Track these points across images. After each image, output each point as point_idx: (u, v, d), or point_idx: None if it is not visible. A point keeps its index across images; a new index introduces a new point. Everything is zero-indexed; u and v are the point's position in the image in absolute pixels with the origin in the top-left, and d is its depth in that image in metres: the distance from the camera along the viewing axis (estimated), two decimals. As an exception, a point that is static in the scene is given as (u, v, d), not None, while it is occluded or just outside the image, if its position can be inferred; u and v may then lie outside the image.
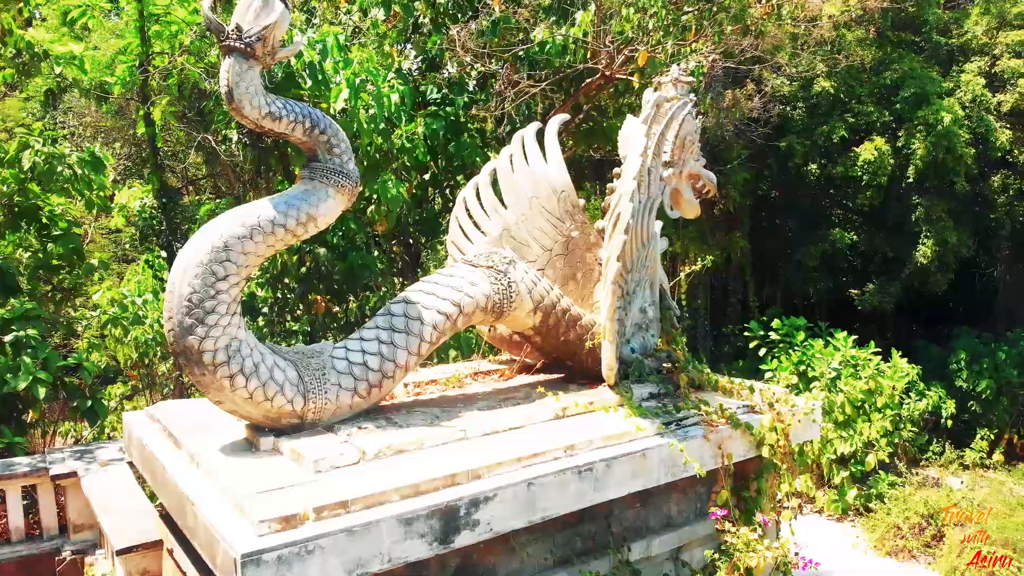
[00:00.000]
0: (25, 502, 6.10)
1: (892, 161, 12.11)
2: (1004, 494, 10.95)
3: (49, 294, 8.72)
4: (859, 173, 12.18)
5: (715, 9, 6.95)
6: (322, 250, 6.47)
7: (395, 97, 6.18)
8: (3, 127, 10.77)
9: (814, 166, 12.71)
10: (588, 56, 7.32)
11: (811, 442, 11.17)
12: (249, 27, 3.12)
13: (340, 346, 3.45)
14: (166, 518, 3.83)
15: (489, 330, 4.55)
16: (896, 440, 11.47)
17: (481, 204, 4.57)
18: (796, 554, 3.46)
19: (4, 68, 8.03)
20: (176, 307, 3.07)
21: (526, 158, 4.58)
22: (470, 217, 4.59)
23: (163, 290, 8.65)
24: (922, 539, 10.14)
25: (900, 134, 12.26)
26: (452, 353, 6.26)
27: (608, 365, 3.87)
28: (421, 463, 3.08)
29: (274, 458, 3.18)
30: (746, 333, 12.19)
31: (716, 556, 3.53)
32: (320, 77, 5.82)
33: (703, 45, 7.55)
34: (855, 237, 12.94)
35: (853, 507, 11.10)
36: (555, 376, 4.52)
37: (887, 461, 11.30)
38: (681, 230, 13.67)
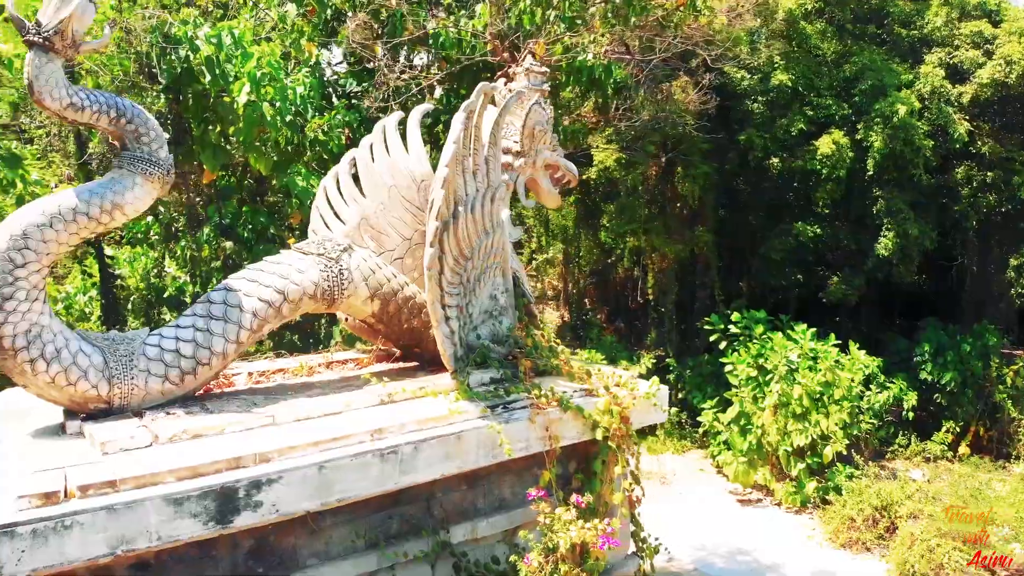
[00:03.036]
0: None
1: (851, 154, 12.03)
2: (960, 487, 10.86)
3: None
4: (818, 166, 12.11)
5: (619, 1, 6.93)
6: (228, 243, 6.56)
7: (300, 90, 6.24)
8: None
9: (775, 160, 12.64)
10: (489, 49, 7.32)
11: (766, 434, 11.16)
12: (48, 21, 3.20)
13: (155, 333, 3.51)
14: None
15: (346, 319, 4.60)
16: (855, 432, 11.41)
17: (341, 193, 4.61)
18: (606, 531, 3.45)
19: None
20: None
21: (387, 147, 4.62)
22: (330, 206, 4.62)
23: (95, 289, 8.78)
24: (876, 531, 10.11)
25: (859, 127, 12.17)
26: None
27: (442, 351, 3.90)
28: (213, 447, 3.13)
29: (75, 441, 3.24)
30: (707, 327, 12.16)
31: (530, 537, 3.56)
32: (218, 71, 5.89)
33: (604, 34, 7.51)
34: (819, 230, 12.86)
35: (812, 500, 11.06)
36: (412, 364, 4.56)
37: (845, 453, 11.25)
38: (646, 225, 13.67)
